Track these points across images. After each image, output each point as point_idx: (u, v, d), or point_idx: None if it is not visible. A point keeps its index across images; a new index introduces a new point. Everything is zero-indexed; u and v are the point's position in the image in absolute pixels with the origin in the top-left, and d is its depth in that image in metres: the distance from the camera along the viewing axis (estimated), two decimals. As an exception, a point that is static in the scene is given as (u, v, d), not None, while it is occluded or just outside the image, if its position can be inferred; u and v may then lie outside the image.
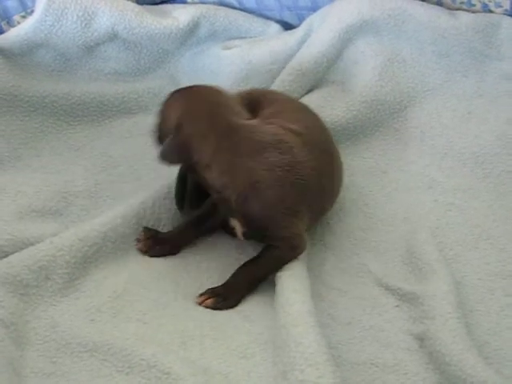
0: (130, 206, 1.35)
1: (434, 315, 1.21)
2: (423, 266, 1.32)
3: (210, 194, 1.32)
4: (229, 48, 1.72)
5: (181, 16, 1.70)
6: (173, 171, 1.39)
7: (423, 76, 1.64)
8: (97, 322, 1.19)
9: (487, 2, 1.62)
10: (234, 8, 1.78)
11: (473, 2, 1.63)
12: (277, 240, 1.26)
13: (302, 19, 1.74)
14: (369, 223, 1.44)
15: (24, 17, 1.64)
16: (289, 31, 1.76)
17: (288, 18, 1.78)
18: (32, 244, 1.26)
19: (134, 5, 1.66)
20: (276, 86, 1.61)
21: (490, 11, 1.63)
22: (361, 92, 1.62)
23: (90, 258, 1.27)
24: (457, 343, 1.15)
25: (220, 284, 1.26)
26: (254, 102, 1.41)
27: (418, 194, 1.50)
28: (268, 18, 1.79)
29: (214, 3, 1.78)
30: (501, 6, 1.61)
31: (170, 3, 1.81)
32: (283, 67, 1.65)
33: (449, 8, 1.64)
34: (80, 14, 1.60)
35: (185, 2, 1.81)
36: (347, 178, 1.46)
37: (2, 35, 1.60)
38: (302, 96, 1.62)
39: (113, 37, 1.65)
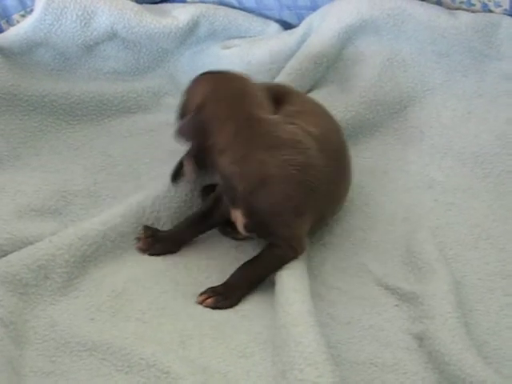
0: (130, 205, 1.35)
1: (433, 315, 1.21)
2: (423, 265, 1.32)
3: (210, 189, 1.34)
4: (228, 47, 1.72)
5: (180, 15, 1.70)
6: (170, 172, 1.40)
7: (423, 76, 1.64)
8: (96, 321, 1.19)
9: (487, 2, 1.62)
10: (234, 7, 1.79)
11: (472, 2, 1.63)
12: (277, 238, 1.26)
13: (301, 19, 1.74)
14: (368, 223, 1.44)
15: (23, 16, 1.65)
16: (288, 31, 1.76)
17: (287, 17, 1.78)
18: (31, 243, 1.26)
19: (133, 4, 1.67)
20: (275, 85, 1.61)
21: (490, 11, 1.63)
22: (360, 92, 1.62)
23: (90, 256, 1.27)
24: (456, 343, 1.14)
25: (219, 283, 1.26)
26: (280, 96, 1.42)
27: (417, 194, 1.50)
28: (267, 17, 1.79)
29: (213, 2, 1.78)
30: (500, 6, 1.61)
31: (170, 2, 1.81)
32: (283, 67, 1.65)
33: (448, 8, 1.65)
34: (79, 13, 1.60)
35: (184, 1, 1.81)
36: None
37: (2, 34, 1.60)
38: (302, 96, 1.62)
39: (112, 36, 1.65)
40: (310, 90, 1.65)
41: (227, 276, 1.27)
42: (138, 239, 1.34)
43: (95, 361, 1.12)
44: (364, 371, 1.14)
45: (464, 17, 1.61)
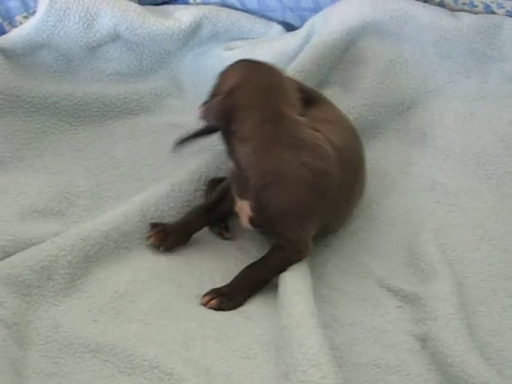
0: (133, 205, 1.35)
1: (436, 316, 1.21)
2: (425, 267, 1.32)
3: (217, 183, 1.36)
4: (231, 49, 1.72)
5: (183, 17, 1.70)
6: (173, 173, 1.40)
7: (425, 77, 1.64)
8: (99, 323, 1.18)
9: (489, 3, 1.62)
10: (236, 9, 1.79)
11: (475, 3, 1.63)
12: (283, 239, 1.26)
13: (304, 20, 1.74)
14: (371, 224, 1.44)
15: (26, 17, 1.64)
16: (291, 32, 1.76)
17: (290, 19, 1.78)
18: (34, 244, 1.26)
19: (136, 5, 1.67)
20: (278, 87, 1.61)
21: (492, 12, 1.63)
22: (363, 93, 1.62)
23: (92, 257, 1.27)
24: (459, 344, 1.14)
25: (222, 285, 1.26)
26: (310, 99, 1.42)
27: (420, 196, 1.50)
28: (270, 18, 1.79)
29: (216, 4, 1.78)
30: (503, 7, 1.61)
31: (172, 4, 1.82)
32: (285, 68, 1.65)
33: (451, 9, 1.64)
34: (82, 14, 1.60)
35: (187, 3, 1.81)
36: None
37: (4, 36, 1.60)
38: (304, 97, 1.62)
39: (115, 37, 1.65)
40: (312, 92, 1.65)
41: (230, 277, 1.27)
42: (149, 237, 1.33)
43: (98, 362, 1.12)
44: (367, 373, 1.14)
45: (466, 18, 1.61)
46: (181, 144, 1.41)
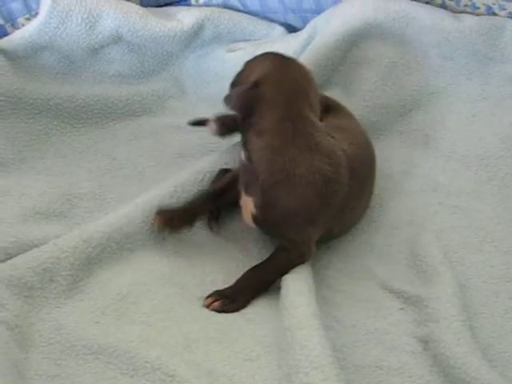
0: (135, 206, 1.35)
1: (438, 318, 1.21)
2: (427, 268, 1.32)
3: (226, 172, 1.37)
4: (233, 50, 1.72)
5: (185, 18, 1.70)
6: (176, 174, 1.40)
7: (427, 79, 1.64)
8: (101, 325, 1.18)
9: (491, 5, 1.62)
10: (239, 11, 1.79)
11: (477, 5, 1.63)
12: (287, 241, 1.27)
13: (306, 22, 1.74)
14: (373, 226, 1.44)
15: (28, 19, 1.64)
16: (293, 34, 1.76)
17: (292, 20, 1.78)
18: (36, 246, 1.26)
19: (138, 7, 1.67)
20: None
21: (494, 14, 1.63)
22: (364, 95, 1.62)
23: (94, 259, 1.27)
24: (461, 346, 1.15)
25: (224, 287, 1.26)
26: (329, 105, 1.44)
27: (422, 197, 1.50)
28: (272, 20, 1.80)
29: (218, 6, 1.78)
30: (505, 9, 1.61)
31: (175, 5, 1.82)
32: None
33: (453, 11, 1.64)
34: (84, 16, 1.60)
35: (189, 5, 1.81)
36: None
37: (7, 37, 1.60)
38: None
39: (117, 39, 1.65)
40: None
41: (232, 279, 1.27)
42: (154, 220, 1.33)
43: (100, 364, 1.12)
44: (369, 374, 1.15)
45: (468, 20, 1.61)
46: (195, 124, 1.43)
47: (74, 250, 1.25)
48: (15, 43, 1.58)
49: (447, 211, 1.47)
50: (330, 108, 1.44)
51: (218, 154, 1.47)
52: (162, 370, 1.10)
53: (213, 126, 1.38)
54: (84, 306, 1.21)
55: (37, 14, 1.62)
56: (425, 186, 1.52)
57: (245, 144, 1.28)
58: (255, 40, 1.76)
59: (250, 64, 1.36)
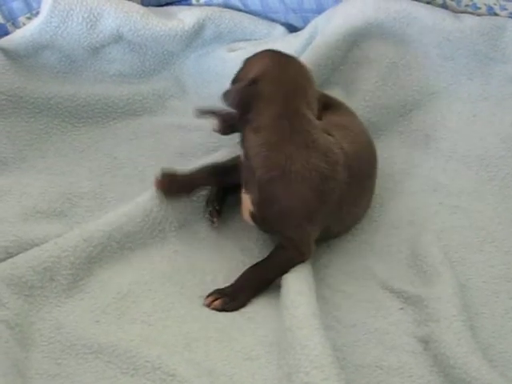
0: (136, 205, 1.35)
1: (438, 318, 1.21)
2: (428, 268, 1.32)
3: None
4: (234, 50, 1.72)
5: (186, 18, 1.70)
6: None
7: (428, 79, 1.64)
8: (101, 324, 1.19)
9: (492, 5, 1.62)
10: (239, 10, 1.79)
11: (478, 5, 1.63)
12: (285, 239, 1.27)
13: (306, 21, 1.74)
14: (374, 226, 1.44)
15: (29, 18, 1.64)
16: (294, 33, 1.76)
17: (293, 20, 1.78)
18: (37, 245, 1.26)
19: (139, 6, 1.67)
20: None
21: (495, 14, 1.63)
22: (365, 95, 1.62)
23: (95, 258, 1.28)
24: (461, 346, 1.15)
25: (225, 286, 1.26)
26: (327, 104, 1.44)
27: (422, 197, 1.50)
28: (273, 20, 1.80)
29: (219, 5, 1.78)
30: (506, 9, 1.61)
31: (176, 5, 1.82)
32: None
33: (454, 11, 1.64)
34: (85, 15, 1.60)
35: (190, 4, 1.81)
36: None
37: (8, 36, 1.60)
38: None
39: (118, 38, 1.65)
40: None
41: (233, 278, 1.27)
42: (155, 182, 1.34)
43: (101, 363, 1.12)
44: (369, 374, 1.15)
45: (469, 20, 1.61)
46: (201, 113, 1.43)
47: (75, 249, 1.25)
48: (16, 42, 1.58)
49: (448, 211, 1.47)
50: (329, 105, 1.44)
51: (218, 153, 1.47)
52: (163, 369, 1.10)
53: (215, 122, 1.38)
54: (84, 305, 1.22)
55: (38, 13, 1.62)
56: (425, 186, 1.52)
57: (242, 141, 1.28)
58: (256, 40, 1.76)
59: (249, 61, 1.36)
